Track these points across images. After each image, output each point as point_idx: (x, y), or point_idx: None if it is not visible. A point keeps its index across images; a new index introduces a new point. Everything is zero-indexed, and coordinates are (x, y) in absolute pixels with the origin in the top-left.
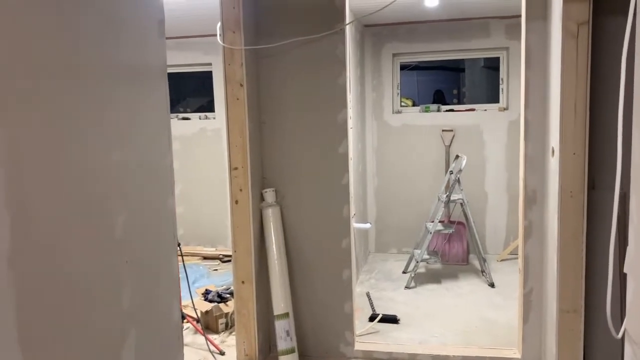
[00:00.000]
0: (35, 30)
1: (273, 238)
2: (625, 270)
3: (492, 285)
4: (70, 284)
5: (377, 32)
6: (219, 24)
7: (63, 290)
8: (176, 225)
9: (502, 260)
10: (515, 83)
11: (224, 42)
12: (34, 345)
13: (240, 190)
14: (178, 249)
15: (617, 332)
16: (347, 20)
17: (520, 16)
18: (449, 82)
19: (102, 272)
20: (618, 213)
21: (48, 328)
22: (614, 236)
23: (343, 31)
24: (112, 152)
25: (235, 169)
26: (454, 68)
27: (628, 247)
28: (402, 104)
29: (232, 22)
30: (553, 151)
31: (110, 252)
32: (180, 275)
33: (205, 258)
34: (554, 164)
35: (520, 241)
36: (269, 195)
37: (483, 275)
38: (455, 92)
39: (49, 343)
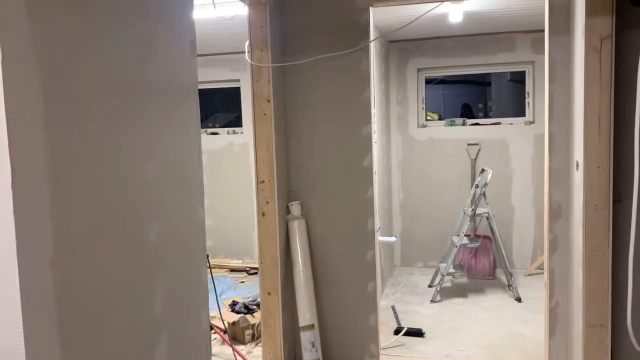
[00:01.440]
0: (84, 52)
1: (299, 250)
2: None
3: (518, 299)
4: (106, 288)
5: (402, 47)
6: (247, 43)
7: (100, 294)
8: (205, 236)
9: (529, 274)
10: (541, 97)
11: (252, 60)
12: (73, 346)
13: (267, 203)
14: (206, 260)
15: None
16: (372, 37)
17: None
18: (475, 95)
19: (136, 278)
20: None
21: (86, 330)
22: (632, 250)
23: (367, 48)
24: (147, 165)
25: (262, 182)
26: (481, 82)
27: None
28: (428, 117)
29: (259, 40)
30: (577, 165)
31: (144, 259)
32: (208, 287)
33: (232, 270)
34: (578, 177)
35: (545, 255)
36: (295, 208)
37: (510, 289)
38: (481, 105)
39: (86, 344)
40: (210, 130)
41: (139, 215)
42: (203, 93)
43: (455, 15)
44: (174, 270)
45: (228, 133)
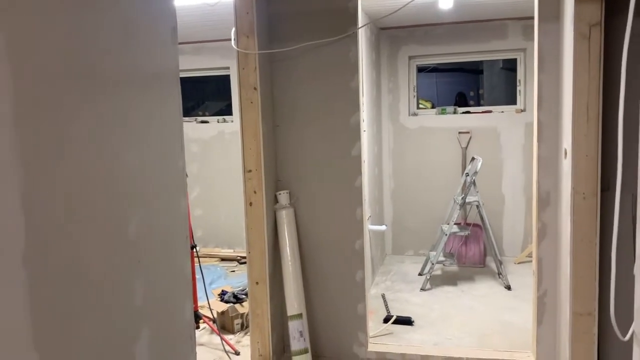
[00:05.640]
0: (57, 37)
1: (287, 239)
2: (635, 272)
3: (508, 287)
4: (83, 282)
5: (393, 34)
6: (233, 30)
7: (76, 288)
8: (188, 226)
9: (519, 262)
10: (532, 85)
11: (238, 47)
12: (49, 344)
13: (255, 192)
14: (194, 250)
15: (625, 335)
16: (360, 23)
17: None
18: (468, 83)
19: (116, 271)
20: (632, 214)
21: (62, 326)
22: (616, 238)
23: (356, 35)
24: (126, 154)
25: (249, 171)
26: (473, 70)
27: (636, 249)
28: (421, 105)
29: (245, 27)
30: (566, 153)
31: (124, 251)
32: (197, 277)
33: (223, 259)
34: (566, 165)
35: (534, 243)
36: (283, 197)
37: (500, 277)
38: (472, 93)
39: (63, 341)
40: (200, 118)
41: (118, 205)
42: (192, 81)
43: (445, 1)
44: (156, 262)
45: (218, 122)
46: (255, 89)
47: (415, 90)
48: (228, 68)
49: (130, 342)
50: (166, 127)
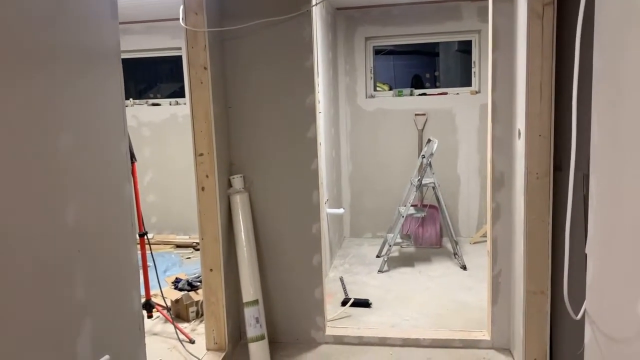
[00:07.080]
0: None
1: (241, 225)
2: (586, 251)
3: (464, 267)
4: (15, 274)
5: (349, 15)
6: (181, 6)
7: (4, 281)
8: (137, 212)
9: (474, 242)
10: (487, 66)
11: (186, 25)
12: None
13: (207, 176)
14: (146, 237)
15: (577, 313)
16: (314, 1)
17: None
18: (424, 66)
19: (52, 262)
20: (583, 194)
21: None
22: (569, 218)
23: (310, 13)
24: (60, 138)
25: (201, 155)
26: (430, 52)
27: (588, 229)
28: (379, 88)
29: (194, 3)
30: (519, 133)
31: (61, 241)
32: (149, 265)
33: (178, 246)
34: (520, 146)
35: (488, 224)
36: (237, 181)
37: (455, 258)
38: (428, 76)
39: None
40: (151, 101)
41: (54, 192)
42: (145, 62)
43: None
44: (98, 251)
45: (170, 104)
46: (205, 68)
47: (372, 72)
48: (180, 48)
49: (72, 337)
50: (106, 108)
